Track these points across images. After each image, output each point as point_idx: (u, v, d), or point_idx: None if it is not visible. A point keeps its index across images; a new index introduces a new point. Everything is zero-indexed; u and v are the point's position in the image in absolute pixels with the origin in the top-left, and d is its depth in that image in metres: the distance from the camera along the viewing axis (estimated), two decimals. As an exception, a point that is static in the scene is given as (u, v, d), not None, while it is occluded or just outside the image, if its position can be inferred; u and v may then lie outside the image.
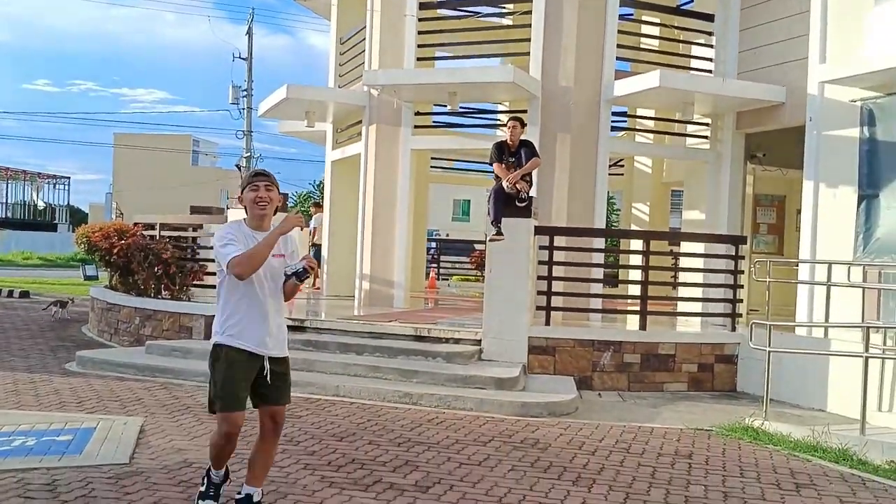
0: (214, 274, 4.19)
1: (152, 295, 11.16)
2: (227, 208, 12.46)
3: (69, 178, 52.46)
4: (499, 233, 8.46)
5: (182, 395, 7.50)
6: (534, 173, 9.05)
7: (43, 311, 14.69)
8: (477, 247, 20.44)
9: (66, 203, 52.22)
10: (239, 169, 31.93)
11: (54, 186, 51.32)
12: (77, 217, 52.32)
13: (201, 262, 11.76)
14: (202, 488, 4.22)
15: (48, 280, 24.13)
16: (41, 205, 49.41)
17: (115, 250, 11.54)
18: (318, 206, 15.84)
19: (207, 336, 9.38)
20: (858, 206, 8.31)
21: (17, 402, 6.99)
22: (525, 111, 10.81)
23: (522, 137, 8.94)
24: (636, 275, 10.14)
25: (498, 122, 12.56)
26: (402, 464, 5.39)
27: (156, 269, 11.02)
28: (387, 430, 6.32)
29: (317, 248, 14.43)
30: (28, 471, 4.86)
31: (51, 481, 4.68)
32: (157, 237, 12.00)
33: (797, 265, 9.22)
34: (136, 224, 12.84)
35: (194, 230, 13.05)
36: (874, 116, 8.24)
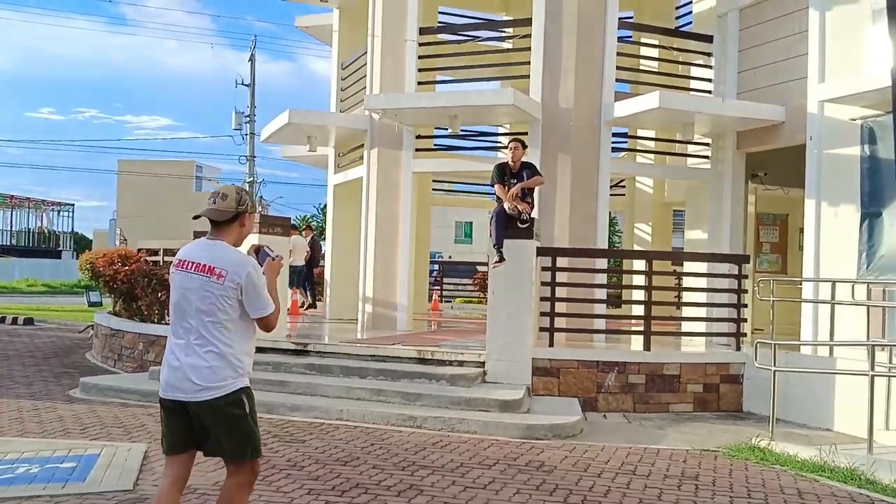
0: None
1: (156, 320, 11.16)
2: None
3: (73, 204, 52.96)
4: (500, 259, 8.46)
5: (185, 420, 7.46)
6: (535, 195, 9.07)
7: (79, 332, 16.29)
8: (480, 268, 20.45)
9: (70, 230, 52.47)
10: (242, 194, 32.02)
11: (59, 213, 51.58)
12: (81, 244, 52.54)
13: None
14: None
15: (52, 307, 24.12)
16: (48, 230, 49.59)
17: (119, 276, 11.58)
18: (294, 228, 16.11)
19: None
20: (861, 225, 8.30)
21: (21, 430, 6.98)
22: (526, 133, 10.86)
23: (524, 159, 8.98)
24: (640, 295, 10.11)
25: (499, 144, 12.62)
26: (407, 488, 5.36)
27: (159, 294, 11.03)
28: (391, 454, 6.29)
29: (292, 269, 14.44)
30: (31, 498, 4.85)
31: (54, 509, 4.67)
32: (161, 262, 12.03)
33: (801, 284, 9.21)
34: (139, 250, 12.89)
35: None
36: (875, 134, 8.25)
